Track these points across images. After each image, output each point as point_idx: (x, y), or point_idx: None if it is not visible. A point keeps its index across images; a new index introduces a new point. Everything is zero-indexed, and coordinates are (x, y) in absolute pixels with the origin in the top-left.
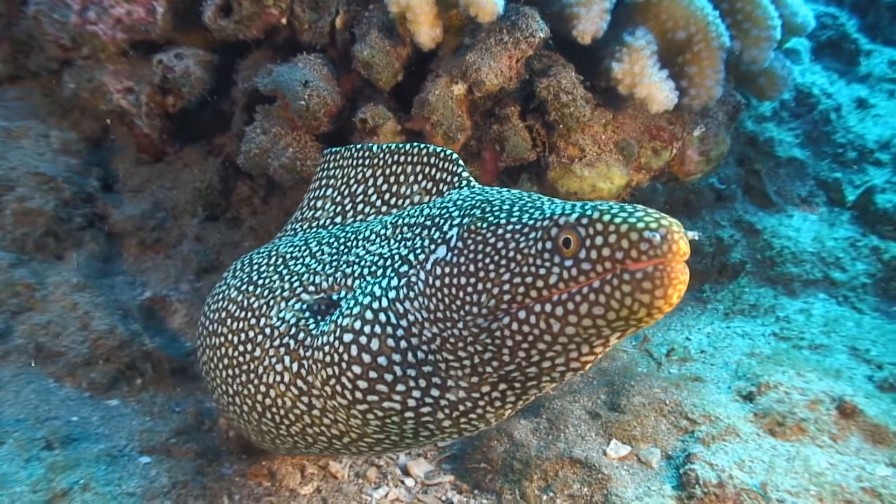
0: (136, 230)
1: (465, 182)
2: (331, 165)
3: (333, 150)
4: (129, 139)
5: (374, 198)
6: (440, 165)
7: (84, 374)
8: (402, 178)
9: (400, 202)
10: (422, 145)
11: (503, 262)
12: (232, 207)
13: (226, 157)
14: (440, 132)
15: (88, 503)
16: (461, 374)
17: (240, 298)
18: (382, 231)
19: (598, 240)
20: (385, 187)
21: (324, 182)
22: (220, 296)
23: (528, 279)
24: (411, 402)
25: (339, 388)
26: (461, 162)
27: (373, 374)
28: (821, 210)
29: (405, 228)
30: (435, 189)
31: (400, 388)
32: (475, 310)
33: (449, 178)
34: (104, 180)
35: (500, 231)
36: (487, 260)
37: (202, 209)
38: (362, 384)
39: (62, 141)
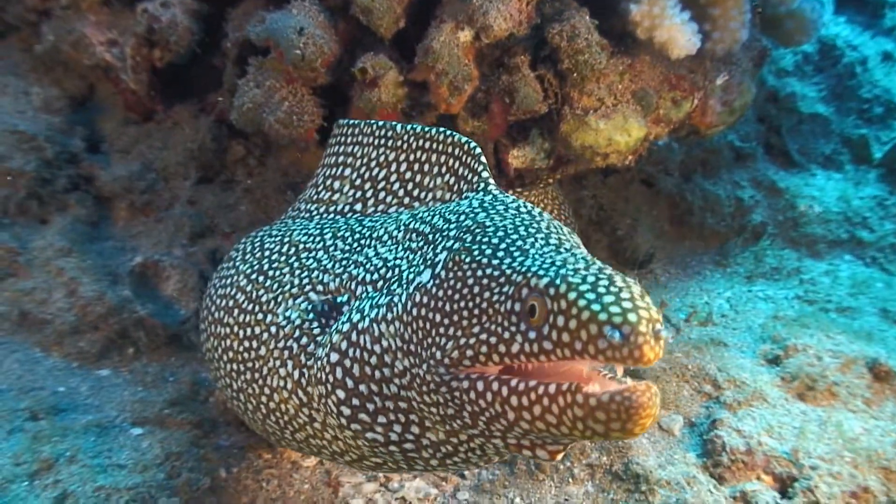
0: (126, 193)
1: (482, 184)
2: (348, 140)
3: (350, 122)
4: (116, 97)
5: (396, 186)
6: (463, 160)
7: (72, 342)
8: (426, 168)
9: (423, 195)
10: (447, 132)
11: (475, 310)
12: (226, 169)
13: (218, 115)
14: (445, 82)
15: (75, 475)
16: (434, 420)
17: (249, 288)
18: (395, 233)
19: (560, 320)
20: (409, 175)
21: (341, 159)
22: (228, 280)
23: (493, 339)
24: (393, 437)
25: (330, 407)
26: (483, 158)
27: (355, 402)
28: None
29: (414, 234)
30: (456, 186)
31: (381, 419)
32: (438, 355)
33: (470, 177)
34: (90, 140)
35: (480, 272)
36: (463, 303)
37: (195, 171)
38: (346, 410)
39: (43, 98)
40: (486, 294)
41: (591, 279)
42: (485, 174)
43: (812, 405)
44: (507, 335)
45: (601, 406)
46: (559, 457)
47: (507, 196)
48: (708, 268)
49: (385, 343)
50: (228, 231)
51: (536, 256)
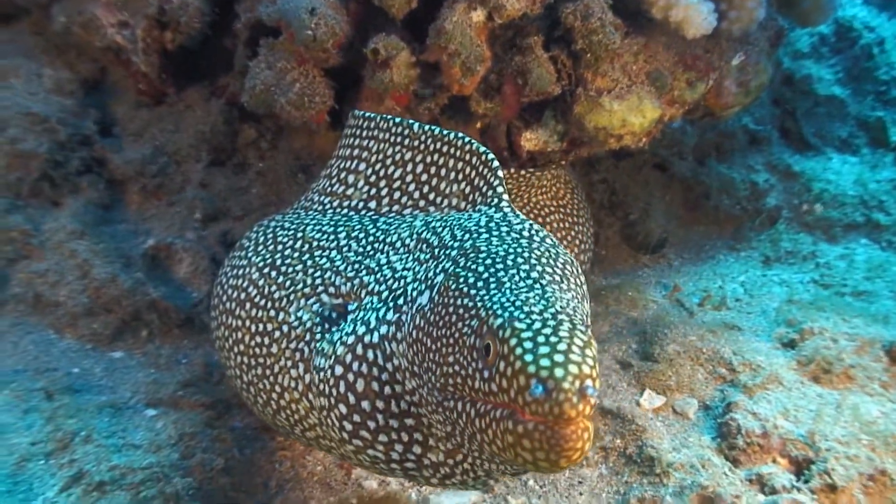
0: (138, 176)
1: (495, 199)
2: (363, 133)
3: (366, 115)
4: (128, 81)
5: (412, 187)
6: (480, 170)
7: (85, 324)
8: (442, 173)
9: (438, 199)
10: (465, 138)
11: (451, 339)
12: (238, 152)
13: (229, 98)
14: (458, 63)
15: (90, 455)
16: (440, 436)
17: (261, 283)
18: (408, 241)
19: (502, 365)
20: (425, 178)
21: (356, 153)
22: (241, 272)
23: (463, 372)
24: (394, 455)
25: (330, 420)
26: (500, 172)
27: (356, 418)
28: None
29: (424, 245)
30: (471, 196)
31: (382, 438)
32: (433, 379)
33: (485, 189)
34: (102, 124)
35: (459, 301)
36: (445, 331)
37: (206, 154)
38: (348, 426)
39: (55, 80)
40: (460, 325)
41: (536, 325)
42: (500, 189)
43: (828, 388)
44: (470, 370)
45: (527, 435)
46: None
47: (517, 215)
48: (722, 252)
49: (396, 362)
50: (240, 214)
51: (507, 291)
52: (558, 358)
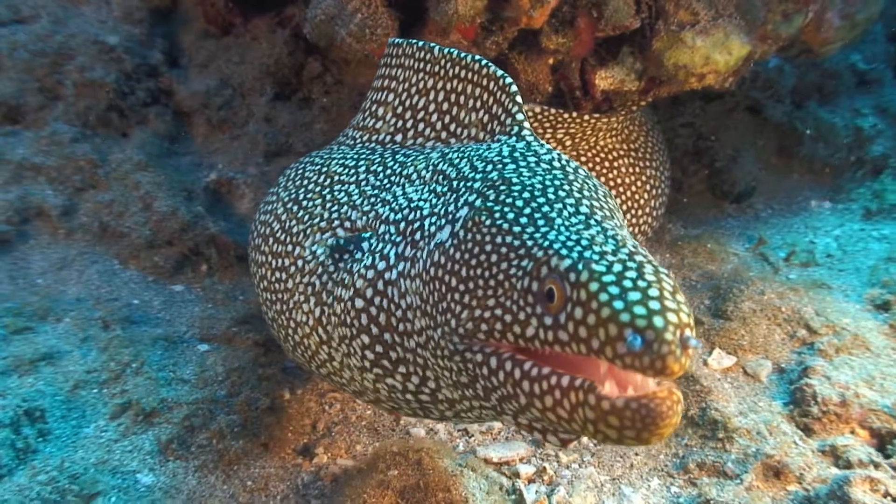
0: (203, 108)
1: (516, 128)
2: (393, 62)
3: (398, 41)
4: (197, 11)
5: (434, 118)
6: (498, 97)
7: (147, 256)
8: (461, 100)
9: (459, 130)
10: (483, 62)
11: (491, 281)
12: (303, 86)
13: (294, 29)
14: None
15: (140, 386)
16: (446, 383)
17: (284, 218)
18: (424, 172)
19: (578, 312)
20: (445, 107)
21: (385, 83)
22: (270, 207)
23: (507, 317)
24: (410, 387)
25: (353, 349)
26: (518, 98)
27: (379, 349)
28: None
29: (441, 177)
30: (490, 125)
31: (402, 369)
32: (453, 323)
33: (504, 118)
34: (170, 54)
35: (499, 239)
36: (479, 271)
37: (271, 87)
38: (370, 354)
39: (124, 8)
40: (504, 265)
41: (617, 268)
42: (519, 116)
43: None
44: (522, 316)
45: (615, 411)
46: (571, 445)
47: (542, 145)
48: (817, 204)
49: (409, 299)
50: (303, 150)
51: (562, 229)
52: (654, 305)
